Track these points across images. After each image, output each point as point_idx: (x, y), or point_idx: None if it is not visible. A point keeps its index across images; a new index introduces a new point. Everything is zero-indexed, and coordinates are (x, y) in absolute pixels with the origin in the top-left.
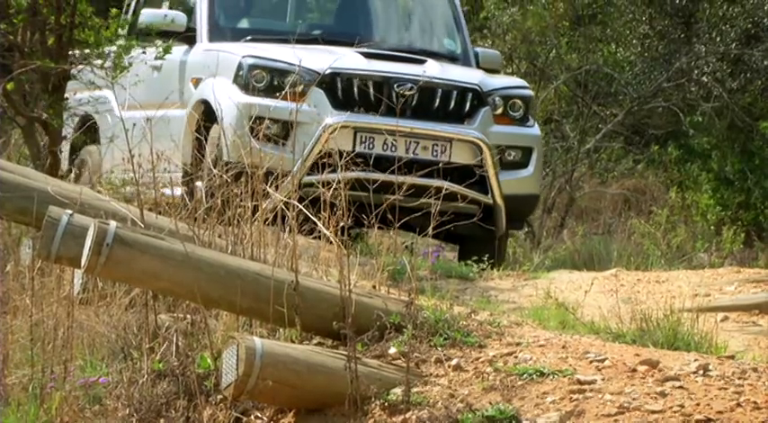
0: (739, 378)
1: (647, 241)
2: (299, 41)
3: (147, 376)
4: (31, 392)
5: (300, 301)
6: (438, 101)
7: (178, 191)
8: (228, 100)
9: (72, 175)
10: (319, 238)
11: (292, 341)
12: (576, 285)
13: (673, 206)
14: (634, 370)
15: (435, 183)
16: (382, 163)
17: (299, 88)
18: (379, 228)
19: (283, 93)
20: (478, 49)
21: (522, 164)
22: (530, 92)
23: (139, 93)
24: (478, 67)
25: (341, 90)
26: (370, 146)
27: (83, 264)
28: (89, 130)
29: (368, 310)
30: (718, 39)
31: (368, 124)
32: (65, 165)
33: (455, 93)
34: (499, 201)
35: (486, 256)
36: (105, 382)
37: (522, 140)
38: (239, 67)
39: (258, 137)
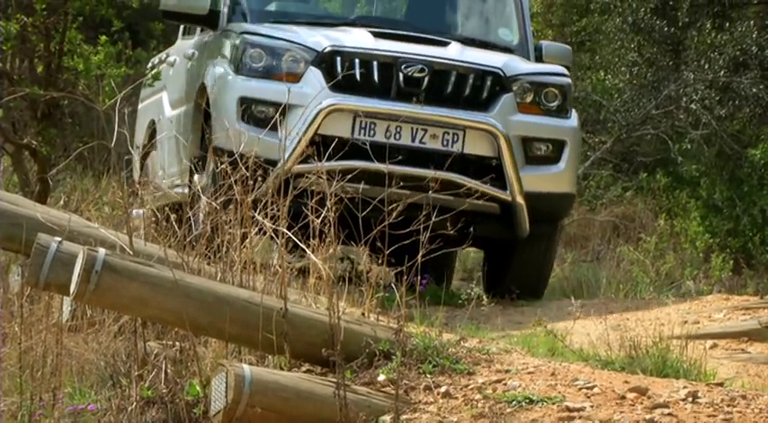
0: (728, 405)
1: (636, 268)
2: (332, 25)
3: (136, 403)
4: (20, 420)
5: (289, 328)
6: (452, 85)
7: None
8: (221, 83)
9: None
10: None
11: (281, 368)
12: (565, 312)
13: (661, 233)
14: (623, 397)
15: (442, 175)
16: (384, 152)
17: (301, 68)
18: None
19: (277, 73)
20: (544, 43)
21: (553, 159)
22: (567, 80)
23: (179, 87)
24: (541, 61)
25: (341, 70)
26: (371, 132)
27: (72, 291)
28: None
29: (357, 337)
30: (706, 66)
31: (368, 108)
32: (136, 174)
33: (472, 76)
34: (519, 198)
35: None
36: (94, 410)
37: (552, 132)
38: (235, 46)
39: (249, 122)
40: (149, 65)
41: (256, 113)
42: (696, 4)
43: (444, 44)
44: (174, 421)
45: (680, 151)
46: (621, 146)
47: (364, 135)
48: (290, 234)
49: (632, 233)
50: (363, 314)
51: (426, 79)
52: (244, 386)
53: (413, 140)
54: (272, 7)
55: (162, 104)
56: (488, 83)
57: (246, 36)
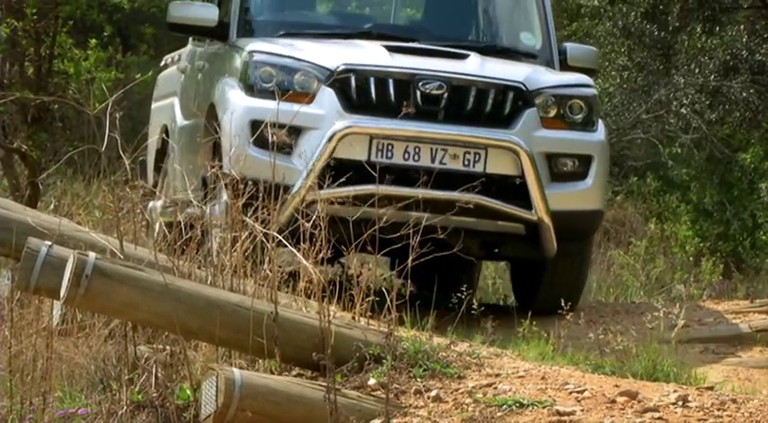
0: (718, 409)
1: (626, 272)
2: (346, 37)
3: (126, 407)
4: None
5: (280, 332)
6: (472, 101)
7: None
8: (230, 103)
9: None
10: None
11: (272, 372)
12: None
13: (652, 237)
14: (613, 401)
15: (464, 197)
16: (404, 174)
17: (314, 87)
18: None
19: (289, 94)
20: (568, 45)
21: (579, 174)
22: (592, 91)
23: (191, 98)
24: (566, 65)
25: (355, 90)
26: (389, 155)
27: (62, 295)
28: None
29: (347, 341)
30: (696, 70)
31: (384, 130)
32: (150, 178)
33: (493, 92)
34: (545, 217)
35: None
36: (84, 414)
37: (579, 147)
38: (245, 64)
39: (261, 145)
40: (162, 63)
41: (267, 137)
42: (686, 9)
43: (463, 57)
44: None
45: (670, 155)
46: (612, 150)
47: (382, 157)
48: (280, 237)
49: (622, 237)
50: (354, 318)
51: (445, 96)
52: (234, 390)
53: (432, 161)
54: (282, 18)
55: (174, 111)
56: (510, 98)
57: (256, 54)
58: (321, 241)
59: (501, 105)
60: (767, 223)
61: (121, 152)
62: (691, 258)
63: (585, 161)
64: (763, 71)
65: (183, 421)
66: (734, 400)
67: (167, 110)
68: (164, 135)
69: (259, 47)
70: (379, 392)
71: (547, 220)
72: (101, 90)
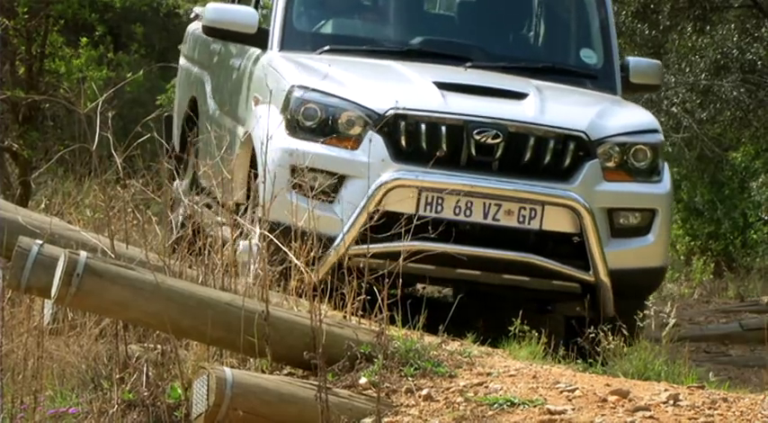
0: (709, 408)
1: None
2: (392, 53)
3: (117, 406)
4: None
5: (271, 331)
6: (530, 152)
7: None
8: (271, 143)
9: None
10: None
11: (263, 371)
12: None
13: None
14: (604, 400)
15: (518, 257)
16: (454, 230)
17: (360, 132)
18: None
19: (329, 137)
20: (631, 60)
21: (641, 230)
22: (659, 137)
23: (224, 92)
24: (628, 82)
25: (405, 136)
26: (438, 208)
27: (53, 294)
28: (196, 115)
29: (338, 340)
30: (687, 69)
31: (435, 183)
32: (176, 143)
33: (553, 142)
34: (604, 278)
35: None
36: (75, 413)
37: (643, 201)
38: (287, 97)
39: (299, 189)
40: (192, 14)
41: (308, 182)
42: (677, 8)
43: (521, 97)
44: None
45: None
46: None
47: (431, 211)
48: (272, 237)
49: None
50: (345, 317)
51: (501, 146)
52: (225, 389)
53: (485, 217)
54: (325, 30)
55: (204, 89)
56: (571, 148)
57: (299, 90)
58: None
59: (561, 156)
60: (758, 222)
61: (113, 151)
62: (682, 257)
63: (649, 215)
64: (753, 70)
65: (174, 420)
66: (725, 399)
67: (197, 82)
68: (190, 106)
69: (303, 81)
70: (370, 391)
71: (605, 280)
72: (92, 89)
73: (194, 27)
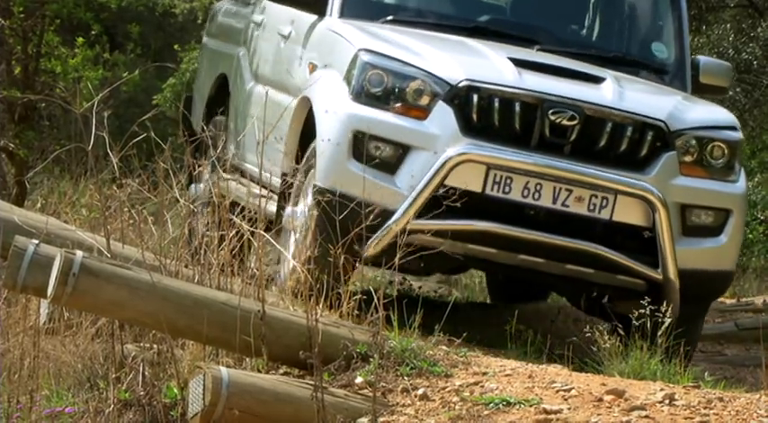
0: (705, 407)
1: None
2: (458, 29)
3: (113, 406)
4: None
5: (267, 330)
6: (606, 138)
7: (271, 208)
8: (331, 103)
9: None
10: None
11: (259, 371)
12: (543, 314)
13: None
14: (600, 399)
15: (585, 246)
16: (519, 212)
17: (429, 102)
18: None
19: (401, 105)
20: (702, 59)
21: (714, 230)
22: (738, 135)
23: (267, 63)
24: (697, 81)
25: (476, 110)
26: (506, 189)
27: (49, 293)
28: (223, 94)
29: (334, 339)
30: None
31: (505, 161)
32: (197, 126)
33: (631, 129)
34: (673, 277)
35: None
36: (71, 412)
37: (718, 200)
38: (353, 62)
39: (361, 159)
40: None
41: (371, 151)
42: None
43: (598, 81)
44: None
45: None
46: None
47: (498, 191)
48: (267, 236)
49: None
50: (341, 316)
51: (576, 128)
52: (221, 388)
53: (554, 202)
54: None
55: (240, 64)
56: (649, 138)
57: (366, 54)
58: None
59: (637, 145)
60: (754, 222)
61: (109, 151)
62: None
63: (723, 215)
64: (749, 70)
65: (171, 420)
66: (720, 399)
67: (229, 58)
68: (218, 85)
69: (370, 45)
70: (366, 391)
71: (674, 279)
72: (88, 88)
73: (223, 5)
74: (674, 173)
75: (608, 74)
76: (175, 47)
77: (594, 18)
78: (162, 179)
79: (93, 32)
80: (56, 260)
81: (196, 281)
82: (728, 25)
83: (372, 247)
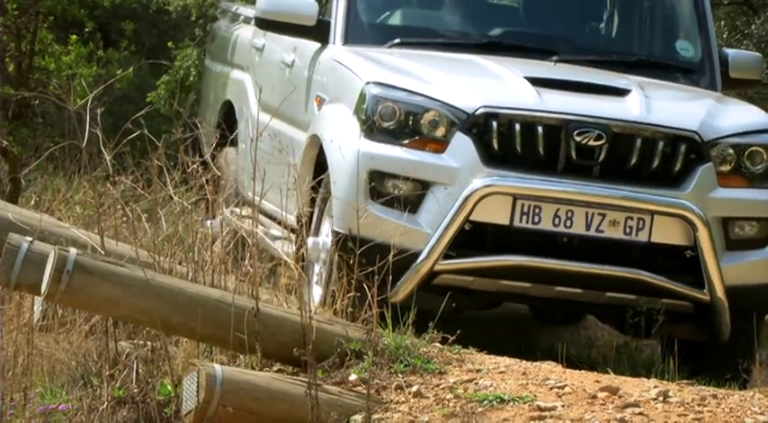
0: (699, 404)
1: None
2: (470, 47)
3: (107, 403)
4: None
5: (261, 328)
6: (637, 155)
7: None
8: (342, 141)
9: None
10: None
11: (253, 368)
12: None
13: None
14: (594, 396)
15: (625, 273)
16: (552, 242)
17: (446, 133)
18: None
19: (416, 139)
20: (730, 52)
21: (760, 241)
22: None
23: (273, 93)
24: (727, 77)
25: (496, 138)
26: (535, 219)
27: (43, 291)
28: (230, 122)
29: (328, 336)
30: None
31: (532, 190)
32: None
33: (662, 143)
34: (720, 296)
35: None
36: (65, 410)
37: (761, 209)
38: (361, 96)
39: (379, 199)
40: (219, 10)
41: (389, 190)
42: None
43: (623, 93)
44: (146, 421)
45: None
46: None
47: (527, 222)
48: (261, 234)
49: None
50: (335, 314)
51: (604, 148)
52: (215, 386)
53: (588, 228)
54: (394, 21)
55: (246, 93)
56: (682, 151)
57: (374, 86)
58: None
59: (670, 160)
60: None
61: (102, 148)
62: None
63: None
64: None
65: (164, 417)
66: (714, 396)
67: (234, 85)
68: (224, 113)
69: (377, 76)
70: (360, 388)
71: (722, 298)
72: (82, 86)
73: (223, 24)
74: (711, 185)
75: (632, 83)
76: (169, 44)
77: (613, 20)
78: (156, 176)
79: (86, 30)
80: (50, 257)
81: (190, 278)
82: (722, 22)
83: (401, 292)
